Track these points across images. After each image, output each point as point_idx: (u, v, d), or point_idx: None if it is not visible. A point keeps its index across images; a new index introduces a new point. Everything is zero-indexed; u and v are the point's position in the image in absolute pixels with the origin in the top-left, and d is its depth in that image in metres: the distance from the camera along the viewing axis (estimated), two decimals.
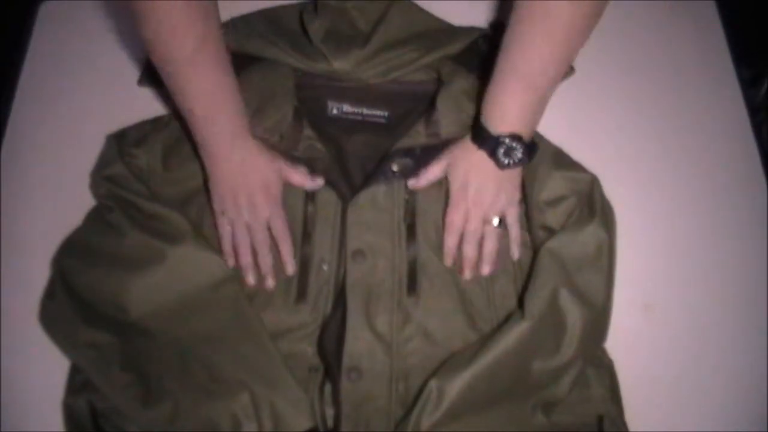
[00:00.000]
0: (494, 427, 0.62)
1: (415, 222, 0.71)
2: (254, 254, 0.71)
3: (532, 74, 0.66)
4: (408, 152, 0.73)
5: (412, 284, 0.69)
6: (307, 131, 0.75)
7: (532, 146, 0.70)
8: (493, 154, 0.69)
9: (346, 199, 0.72)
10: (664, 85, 0.87)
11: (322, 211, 0.72)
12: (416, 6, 0.84)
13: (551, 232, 0.71)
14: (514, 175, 0.72)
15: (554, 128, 0.79)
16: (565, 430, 0.64)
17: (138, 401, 0.62)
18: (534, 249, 0.72)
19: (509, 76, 0.67)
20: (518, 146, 0.68)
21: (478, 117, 0.71)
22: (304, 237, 0.71)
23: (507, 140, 0.68)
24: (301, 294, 0.69)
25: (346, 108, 0.79)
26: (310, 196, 0.73)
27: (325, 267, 0.70)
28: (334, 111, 0.79)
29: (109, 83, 0.84)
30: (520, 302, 0.67)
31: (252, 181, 0.70)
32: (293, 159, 0.73)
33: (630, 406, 0.67)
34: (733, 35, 0.90)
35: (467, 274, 0.71)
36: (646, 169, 0.81)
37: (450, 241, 0.71)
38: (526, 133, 0.69)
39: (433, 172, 0.73)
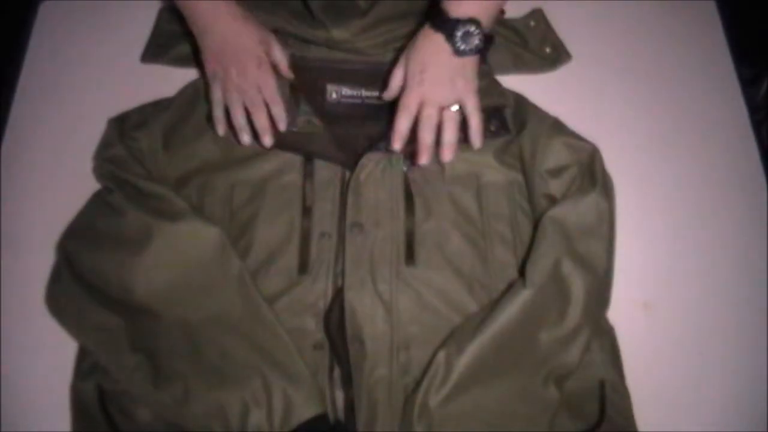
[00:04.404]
0: (505, 400, 0.62)
1: (413, 194, 0.72)
2: (247, 114, 0.74)
3: None
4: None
5: (410, 254, 0.70)
6: (304, 107, 0.76)
7: (490, 37, 0.71)
8: (450, 38, 0.69)
9: (345, 174, 0.73)
10: (664, 84, 0.87)
11: (321, 186, 0.73)
12: None
13: (554, 200, 0.71)
14: (472, 64, 0.71)
15: None
16: (567, 395, 0.64)
17: (148, 382, 0.62)
18: (535, 218, 0.72)
19: None
20: (476, 31, 0.68)
21: (438, 3, 0.71)
22: (303, 211, 0.72)
23: (465, 24, 0.68)
24: (303, 265, 0.69)
25: (345, 91, 0.80)
26: (308, 172, 0.74)
27: (326, 238, 0.70)
28: (333, 95, 0.80)
29: (109, 83, 0.85)
30: (522, 271, 0.67)
31: (237, 46, 0.73)
32: (291, 135, 0.75)
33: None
34: (733, 35, 0.90)
35: (423, 159, 0.71)
36: (646, 168, 0.81)
37: (401, 125, 0.71)
38: (484, 20, 0.69)
39: (396, 77, 0.73)
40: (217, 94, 0.74)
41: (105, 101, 0.83)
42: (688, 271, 0.76)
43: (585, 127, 0.76)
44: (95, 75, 0.86)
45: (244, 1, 0.80)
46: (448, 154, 0.72)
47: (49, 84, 0.85)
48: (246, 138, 0.74)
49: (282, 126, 0.74)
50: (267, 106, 0.74)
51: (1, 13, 0.96)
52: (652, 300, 0.74)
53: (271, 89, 0.74)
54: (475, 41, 0.69)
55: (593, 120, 0.82)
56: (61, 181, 0.78)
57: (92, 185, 0.75)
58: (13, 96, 0.84)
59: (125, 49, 0.86)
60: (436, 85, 0.70)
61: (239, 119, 0.74)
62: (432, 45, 0.70)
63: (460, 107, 0.71)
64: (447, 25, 0.69)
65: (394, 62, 0.77)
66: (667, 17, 0.92)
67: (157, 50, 0.85)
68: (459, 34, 0.68)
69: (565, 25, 0.87)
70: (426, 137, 0.71)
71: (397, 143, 0.71)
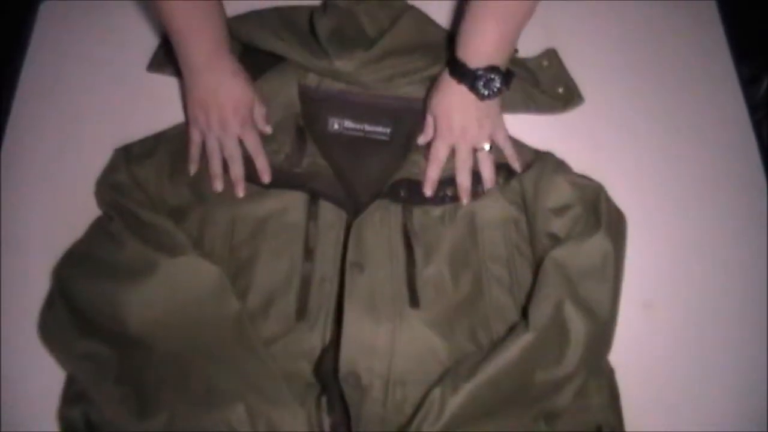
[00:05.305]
0: None
1: (412, 242, 0.71)
2: (224, 165, 0.75)
3: (505, 11, 0.69)
4: (412, 182, 0.74)
5: (414, 298, 0.68)
6: (311, 148, 0.75)
7: (509, 74, 0.73)
8: (473, 88, 0.71)
9: (350, 216, 0.72)
10: (664, 83, 0.87)
11: (325, 228, 0.72)
12: (427, 17, 0.84)
13: (556, 240, 0.70)
14: (495, 102, 0.74)
15: (553, 125, 0.79)
16: None
17: (133, 414, 0.61)
18: (536, 258, 0.71)
19: (483, 13, 0.69)
20: (496, 77, 0.71)
21: (454, 53, 0.73)
22: (305, 253, 0.70)
23: (485, 73, 0.71)
24: (301, 311, 0.68)
25: (348, 124, 0.79)
26: (312, 213, 0.72)
27: (327, 284, 0.69)
28: (335, 126, 0.79)
29: (110, 83, 0.85)
30: (524, 313, 0.66)
31: (224, 99, 0.74)
32: (295, 176, 0.74)
33: (629, 405, 0.67)
34: (733, 34, 0.90)
35: (465, 200, 0.74)
36: (645, 168, 0.81)
37: (432, 173, 0.74)
38: (501, 64, 0.71)
39: (429, 124, 0.76)
40: (195, 137, 0.75)
41: (105, 101, 0.83)
42: (688, 271, 0.76)
43: (584, 126, 0.76)
44: (95, 75, 0.85)
45: (254, 22, 0.79)
46: (490, 186, 0.75)
47: (49, 84, 0.85)
48: (219, 186, 0.74)
49: (266, 178, 0.74)
50: (249, 157, 0.75)
51: (1, 13, 0.96)
52: (652, 300, 0.74)
53: (253, 141, 0.75)
54: (497, 85, 0.72)
55: (592, 119, 0.82)
56: (61, 182, 0.78)
57: (92, 186, 0.75)
58: (13, 96, 0.84)
59: (125, 49, 0.86)
60: (465, 131, 0.74)
61: (216, 167, 0.74)
62: (456, 93, 0.73)
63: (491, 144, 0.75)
64: (468, 76, 0.71)
65: (398, 98, 0.79)
66: (667, 17, 0.92)
67: (165, 59, 0.82)
68: (481, 83, 0.71)
69: (566, 26, 0.86)
70: (464, 181, 0.74)
71: (429, 191, 0.74)
